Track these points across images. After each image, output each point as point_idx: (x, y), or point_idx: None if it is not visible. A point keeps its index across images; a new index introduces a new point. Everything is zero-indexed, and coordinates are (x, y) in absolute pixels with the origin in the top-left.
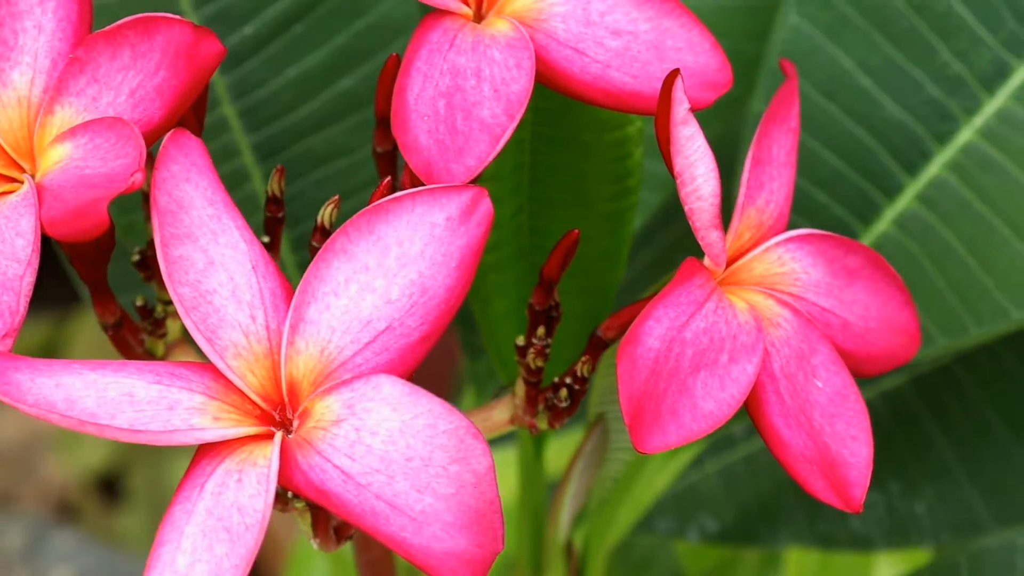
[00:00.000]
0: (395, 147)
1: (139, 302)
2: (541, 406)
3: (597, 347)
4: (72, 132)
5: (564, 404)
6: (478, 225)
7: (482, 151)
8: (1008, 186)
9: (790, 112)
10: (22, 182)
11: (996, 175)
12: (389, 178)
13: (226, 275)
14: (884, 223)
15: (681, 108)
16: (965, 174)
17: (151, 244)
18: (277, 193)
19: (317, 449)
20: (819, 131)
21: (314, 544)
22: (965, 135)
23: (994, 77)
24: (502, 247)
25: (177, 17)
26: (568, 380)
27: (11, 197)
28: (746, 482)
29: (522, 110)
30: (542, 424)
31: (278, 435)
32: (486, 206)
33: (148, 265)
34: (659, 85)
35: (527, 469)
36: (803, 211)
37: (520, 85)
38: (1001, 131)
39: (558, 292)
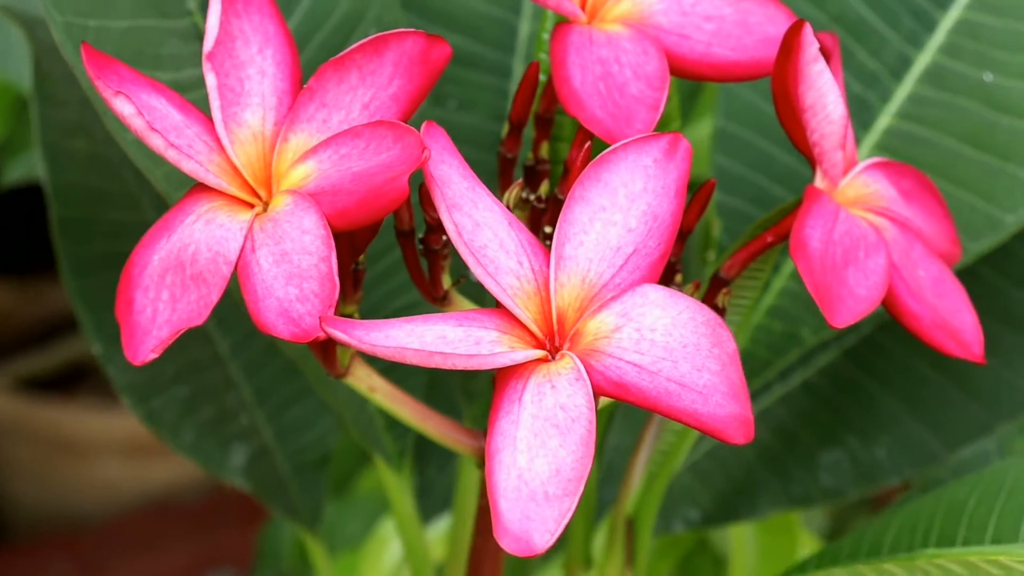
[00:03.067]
0: (516, 157)
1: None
2: None
3: (718, 286)
4: (313, 151)
5: None
6: (683, 159)
7: (645, 119)
8: (934, 150)
9: (839, 76)
10: (260, 205)
11: (921, 146)
12: (589, 143)
13: (491, 232)
14: None
15: (812, 49)
16: (894, 151)
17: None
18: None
19: (607, 352)
20: (768, 131)
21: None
22: (884, 121)
23: (900, 68)
24: None
25: (409, 30)
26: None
27: (293, 207)
28: (716, 472)
29: (666, 84)
30: None
31: (571, 354)
32: (685, 144)
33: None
34: (753, 54)
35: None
36: (761, 202)
37: (654, 64)
38: (914, 111)
39: None
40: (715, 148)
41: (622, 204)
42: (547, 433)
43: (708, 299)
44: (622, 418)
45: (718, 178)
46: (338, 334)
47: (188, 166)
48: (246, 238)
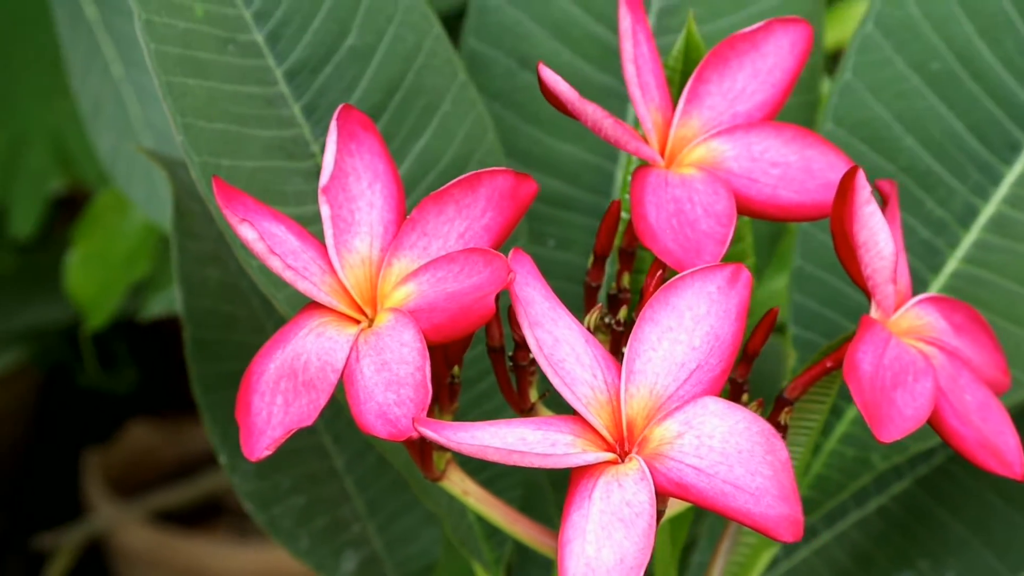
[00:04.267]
0: (600, 285)
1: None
2: None
3: (781, 406)
4: (414, 274)
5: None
6: (744, 287)
7: (713, 251)
8: (997, 292)
9: (897, 219)
10: (365, 322)
11: (985, 288)
12: (662, 271)
13: (569, 348)
14: None
15: (864, 192)
16: (960, 293)
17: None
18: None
19: (670, 456)
20: (844, 275)
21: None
22: (951, 265)
23: (967, 216)
24: None
25: (501, 168)
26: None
27: (392, 323)
28: None
29: (733, 221)
30: None
31: (638, 457)
32: (746, 274)
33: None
34: (815, 197)
35: (661, 552)
36: (833, 336)
37: (723, 204)
38: (979, 256)
39: None
40: (792, 287)
41: (687, 325)
42: (613, 526)
43: (772, 417)
44: (707, 537)
45: (795, 314)
46: (429, 433)
47: (303, 286)
48: (352, 349)
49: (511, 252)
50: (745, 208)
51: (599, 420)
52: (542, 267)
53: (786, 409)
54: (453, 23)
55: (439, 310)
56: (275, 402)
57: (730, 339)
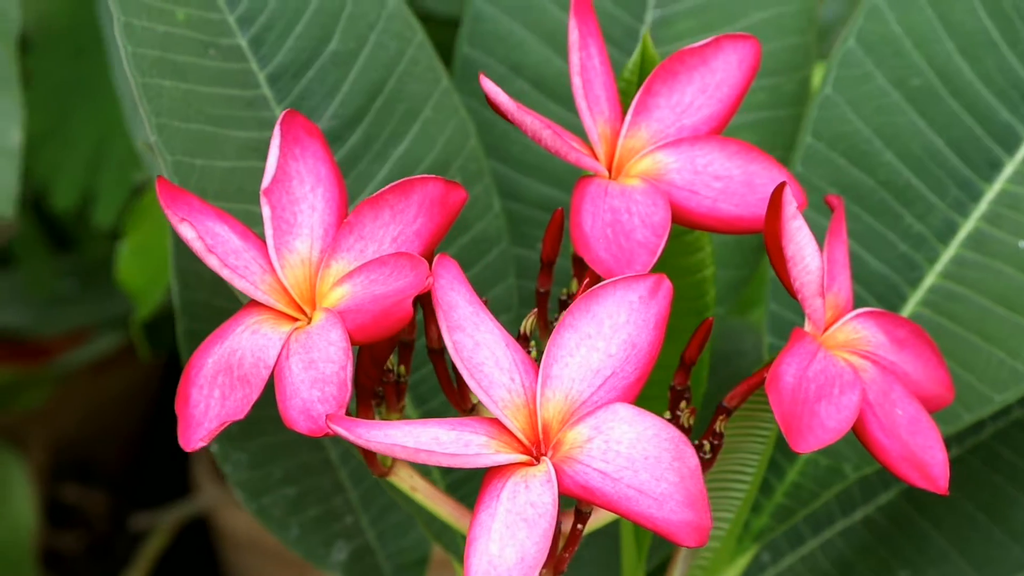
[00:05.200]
0: (548, 291)
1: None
2: None
3: (719, 413)
4: (349, 275)
5: (707, 456)
6: (664, 298)
7: (644, 261)
8: (973, 308)
9: (842, 230)
10: (303, 320)
11: (961, 303)
12: (590, 277)
13: (489, 352)
14: None
15: (791, 207)
16: (936, 307)
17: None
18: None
19: (578, 460)
20: None
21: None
22: (929, 279)
23: (946, 232)
24: None
25: (431, 176)
26: (709, 438)
27: (320, 322)
28: None
29: (666, 232)
30: None
31: (544, 457)
32: (667, 285)
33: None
34: (755, 211)
35: (628, 554)
36: None
37: (660, 215)
38: (957, 272)
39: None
40: (769, 296)
41: (606, 333)
42: (517, 526)
43: (711, 423)
44: None
45: (771, 324)
46: (339, 430)
47: (240, 284)
48: (283, 347)
49: (436, 257)
50: (686, 220)
51: (515, 423)
52: (530, 269)
53: (722, 417)
54: (454, 29)
55: (364, 311)
56: (212, 395)
57: (647, 348)
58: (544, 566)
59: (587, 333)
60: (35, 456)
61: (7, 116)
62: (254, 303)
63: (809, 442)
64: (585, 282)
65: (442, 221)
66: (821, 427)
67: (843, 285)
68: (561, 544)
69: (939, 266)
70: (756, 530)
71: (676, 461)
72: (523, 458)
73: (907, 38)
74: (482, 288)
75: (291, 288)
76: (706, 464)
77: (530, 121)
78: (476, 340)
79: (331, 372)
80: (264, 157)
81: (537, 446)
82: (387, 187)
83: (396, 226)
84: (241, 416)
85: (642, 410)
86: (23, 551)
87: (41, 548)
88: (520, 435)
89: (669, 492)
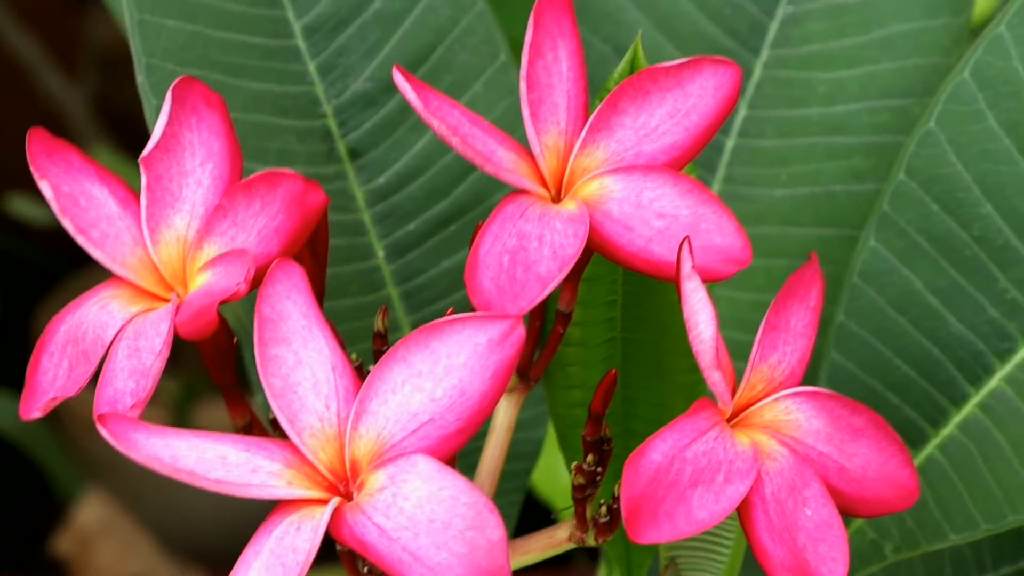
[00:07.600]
0: None
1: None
2: (590, 524)
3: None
4: (212, 262)
5: (604, 520)
6: (512, 346)
7: (533, 296)
8: None
9: (810, 292)
10: (172, 300)
11: None
12: (452, 307)
13: (310, 372)
14: (950, 427)
15: (687, 265)
16: (1020, 387)
17: None
18: (381, 330)
19: (362, 509)
20: (891, 341)
21: None
22: (1022, 354)
23: None
24: None
25: (291, 171)
26: (609, 501)
27: (159, 310)
28: None
29: (570, 267)
30: (590, 540)
31: (334, 499)
32: (519, 333)
33: None
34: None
35: None
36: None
37: (573, 249)
38: None
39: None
40: (832, 343)
41: (438, 374)
42: (274, 570)
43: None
44: None
45: (830, 374)
46: (105, 434)
47: (95, 254)
48: (121, 328)
49: (275, 262)
50: (611, 256)
51: (319, 455)
52: None
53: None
54: None
55: (192, 306)
56: (61, 365)
57: (477, 398)
58: None
59: (418, 370)
60: None
61: None
62: (117, 276)
63: (657, 533)
64: (450, 309)
65: (299, 222)
66: (685, 516)
67: (788, 358)
68: None
69: None
70: None
71: (470, 531)
72: (318, 495)
73: None
74: None
75: (162, 266)
76: (603, 529)
77: (437, 124)
78: (299, 357)
79: (150, 364)
80: (281, 112)
81: (346, 483)
82: (259, 173)
83: (263, 219)
84: (72, 394)
85: (445, 467)
86: None
87: None
88: (323, 469)
89: (449, 563)
